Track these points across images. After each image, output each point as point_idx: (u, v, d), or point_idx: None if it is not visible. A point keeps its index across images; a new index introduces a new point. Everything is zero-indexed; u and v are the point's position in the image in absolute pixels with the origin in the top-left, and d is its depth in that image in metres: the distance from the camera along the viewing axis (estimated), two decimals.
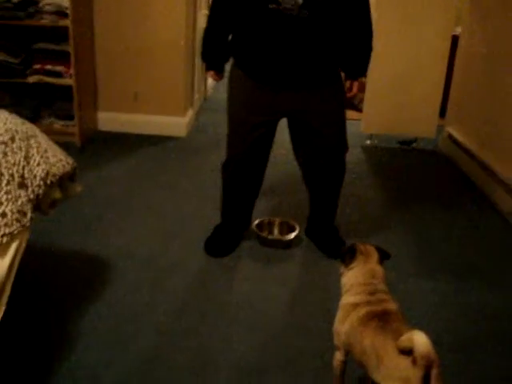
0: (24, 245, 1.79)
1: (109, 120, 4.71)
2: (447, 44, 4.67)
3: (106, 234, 3.00)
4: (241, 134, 2.74)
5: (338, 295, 2.60)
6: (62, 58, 4.24)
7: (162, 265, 2.75)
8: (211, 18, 2.69)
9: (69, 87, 4.22)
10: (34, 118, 4.43)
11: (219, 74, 2.82)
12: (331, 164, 2.82)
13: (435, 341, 2.11)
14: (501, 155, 3.80)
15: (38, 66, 4.31)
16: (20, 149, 1.90)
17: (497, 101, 3.97)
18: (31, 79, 4.32)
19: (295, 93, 2.61)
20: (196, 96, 5.27)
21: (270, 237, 3.05)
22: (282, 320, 2.43)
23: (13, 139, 1.90)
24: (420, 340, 1.49)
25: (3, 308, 1.71)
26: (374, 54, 2.74)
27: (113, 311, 2.36)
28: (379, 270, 1.94)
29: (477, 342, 2.35)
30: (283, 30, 2.46)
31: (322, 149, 2.76)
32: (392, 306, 1.82)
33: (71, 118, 4.36)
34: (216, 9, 2.65)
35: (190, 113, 4.96)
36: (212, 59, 2.78)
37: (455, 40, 4.88)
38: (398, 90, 4.74)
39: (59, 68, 4.26)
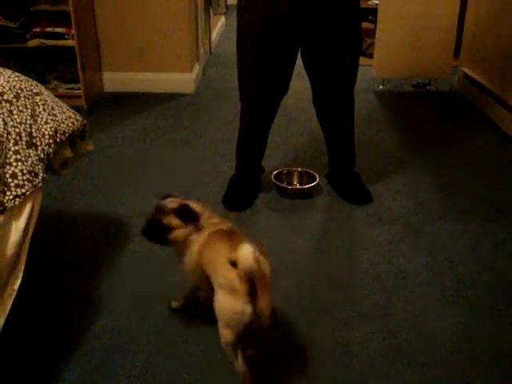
0: (38, 206, 1.71)
1: (114, 80, 4.58)
2: None
3: (121, 194, 2.92)
4: (257, 54, 2.54)
5: (363, 242, 2.56)
6: (62, 18, 4.09)
7: None
8: None
9: (71, 49, 4.08)
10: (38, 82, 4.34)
11: None
12: (341, 94, 2.72)
13: (472, 281, 2.05)
14: None
15: (37, 29, 4.17)
16: (26, 107, 1.81)
17: (510, 37, 3.80)
18: (32, 43, 4.19)
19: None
20: (201, 50, 5.12)
21: (289, 187, 2.95)
22: (309, 272, 2.35)
23: (17, 97, 1.80)
24: (243, 254, 1.51)
25: (22, 271, 1.64)
26: None
27: (133, 270, 2.30)
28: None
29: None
30: None
31: (334, 75, 2.62)
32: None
33: (76, 80, 4.23)
34: None
35: (197, 68, 4.82)
36: None
37: None
38: (409, 31, 4.56)
39: (60, 29, 4.12)
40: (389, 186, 3.04)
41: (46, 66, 4.43)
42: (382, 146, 3.60)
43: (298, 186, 2.98)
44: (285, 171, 3.02)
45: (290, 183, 3.00)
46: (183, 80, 4.56)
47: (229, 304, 1.57)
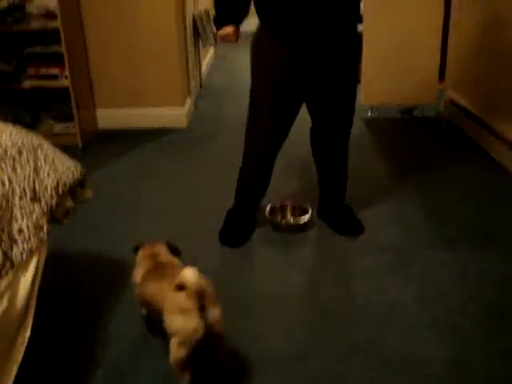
0: (43, 258, 1.79)
1: (108, 117, 4.69)
2: (440, 6, 4.61)
3: (120, 234, 3.00)
4: (268, 104, 2.72)
5: (355, 273, 2.65)
6: (56, 60, 4.20)
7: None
8: None
9: (65, 89, 4.19)
10: (33, 122, 4.44)
11: (237, 31, 2.59)
12: (339, 133, 2.84)
13: (461, 310, 2.14)
14: (505, 115, 3.78)
15: (32, 71, 4.29)
16: (28, 161, 1.90)
17: (495, 60, 3.93)
18: (27, 84, 4.30)
19: (322, 55, 2.56)
20: (192, 84, 5.24)
21: (283, 222, 3.05)
22: (303, 304, 2.43)
23: (20, 152, 1.89)
24: (189, 274, 1.72)
25: (31, 321, 1.71)
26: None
27: (136, 310, 2.37)
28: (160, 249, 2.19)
29: (502, 310, 2.35)
30: None
31: (333, 116, 2.76)
32: (166, 258, 2.14)
33: (71, 119, 4.33)
34: None
35: (189, 102, 4.93)
36: (231, 10, 2.59)
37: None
38: (394, 58, 4.69)
39: (54, 70, 4.23)
40: (378, 215, 3.14)
41: (40, 106, 4.54)
42: (371, 174, 3.70)
43: (292, 221, 3.07)
44: (278, 205, 3.11)
45: (284, 217, 3.09)
46: (175, 115, 4.67)
47: (183, 323, 1.74)
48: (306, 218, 2.99)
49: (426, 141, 4.40)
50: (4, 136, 1.92)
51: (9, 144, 1.89)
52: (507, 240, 2.86)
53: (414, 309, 2.35)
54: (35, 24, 4.14)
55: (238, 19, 2.60)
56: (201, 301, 1.71)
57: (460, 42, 4.65)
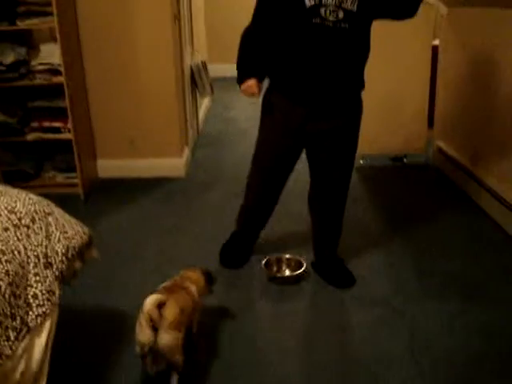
0: (55, 320, 1.92)
1: (108, 167, 4.83)
2: (428, 58, 4.82)
3: (122, 286, 3.12)
4: (269, 154, 3.01)
5: (348, 325, 2.77)
6: (59, 113, 4.36)
7: None
8: (254, 25, 2.84)
9: (68, 140, 4.34)
10: (36, 173, 4.58)
11: (259, 85, 2.85)
12: (335, 190, 3.03)
13: (448, 359, 2.28)
14: (489, 165, 3.95)
15: (35, 124, 4.43)
16: (41, 229, 2.03)
17: (481, 111, 4.12)
18: (30, 137, 4.44)
19: (325, 115, 2.81)
20: (190, 133, 5.40)
21: (278, 274, 3.18)
22: (301, 357, 2.55)
23: (33, 220, 2.03)
24: (146, 301, 2.14)
25: (45, 381, 1.83)
26: None
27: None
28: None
29: (488, 360, 2.47)
30: (324, 43, 2.65)
31: (334, 172, 2.97)
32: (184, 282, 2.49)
33: (72, 169, 4.47)
34: (259, 15, 2.82)
35: (187, 151, 5.09)
36: (253, 65, 2.87)
37: (435, 50, 5.04)
38: (384, 109, 4.88)
39: (57, 124, 4.38)
40: (370, 267, 3.28)
41: (43, 157, 4.68)
42: (363, 224, 3.85)
43: (287, 273, 3.20)
44: (274, 258, 3.25)
45: (279, 270, 3.23)
46: (174, 165, 4.82)
47: (136, 333, 2.18)
48: (300, 270, 3.12)
49: (416, 189, 4.57)
50: (18, 204, 2.06)
51: (23, 212, 2.03)
52: (492, 290, 3.00)
53: (404, 361, 2.48)
54: (39, 79, 4.31)
55: (259, 74, 2.87)
56: (152, 323, 2.12)
57: (447, 93, 4.85)
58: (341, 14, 2.59)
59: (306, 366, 2.48)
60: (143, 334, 2.15)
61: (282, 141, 2.93)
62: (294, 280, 3.12)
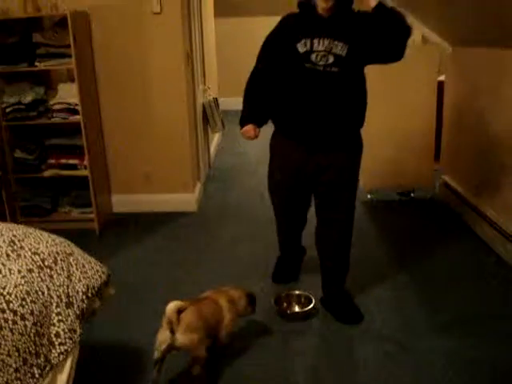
0: (76, 358, 2.02)
1: (122, 202, 4.98)
2: (433, 94, 4.95)
3: (136, 321, 3.22)
4: (280, 196, 3.32)
5: (356, 361, 2.85)
6: (75, 151, 4.53)
7: None
8: (256, 70, 3.11)
9: (83, 176, 4.49)
10: (52, 208, 4.73)
11: (256, 130, 3.10)
12: (340, 225, 3.17)
13: None
14: (491, 199, 4.06)
15: (52, 161, 4.60)
16: (62, 269, 2.15)
17: (484, 145, 4.23)
18: (47, 173, 4.60)
19: (324, 151, 3.00)
20: (202, 167, 5.54)
21: (288, 310, 3.28)
22: None
23: (55, 261, 2.15)
24: (168, 305, 2.51)
25: None
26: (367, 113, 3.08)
27: None
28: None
29: None
30: (315, 86, 2.87)
31: (337, 209, 3.12)
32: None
33: (88, 205, 4.61)
34: (261, 61, 3.09)
35: (199, 186, 5.22)
36: (253, 112, 3.14)
37: (441, 85, 5.18)
38: (392, 143, 4.99)
39: (73, 161, 4.54)
40: (377, 302, 3.37)
41: (59, 192, 4.83)
42: (370, 259, 3.94)
43: (297, 309, 3.29)
44: (284, 294, 3.34)
45: (289, 306, 3.32)
46: (187, 200, 4.96)
47: (158, 333, 2.52)
48: (310, 306, 3.21)
49: (422, 223, 4.66)
50: (41, 245, 2.18)
51: (45, 253, 2.15)
52: (499, 326, 3.08)
53: None
54: (57, 118, 4.47)
55: (258, 122, 3.13)
56: (171, 325, 2.47)
57: (452, 128, 4.97)
58: (331, 59, 2.80)
59: None
60: (162, 334, 2.51)
61: (287, 179, 3.16)
62: (304, 316, 3.21)
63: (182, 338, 2.50)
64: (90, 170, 4.45)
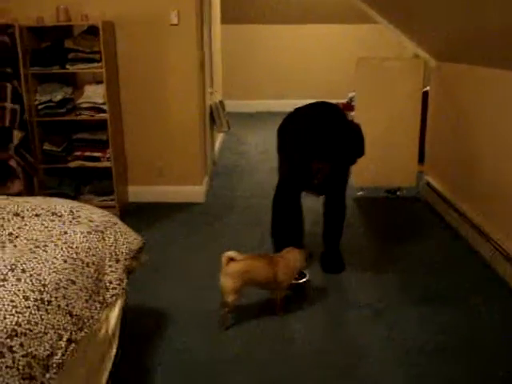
0: (123, 301, 2.60)
1: (138, 192, 5.55)
2: (419, 100, 5.54)
3: (157, 292, 3.79)
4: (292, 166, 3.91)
5: (341, 322, 3.43)
6: (98, 144, 5.11)
7: (206, 311, 3.55)
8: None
9: (104, 168, 5.08)
10: (75, 195, 5.27)
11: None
12: (340, 196, 4.04)
13: (421, 349, 2.95)
14: (468, 197, 4.65)
15: (78, 153, 5.17)
16: (111, 234, 2.72)
17: (466, 150, 4.80)
18: (73, 164, 5.17)
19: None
20: (209, 164, 6.12)
21: None
22: (302, 344, 3.22)
23: (106, 228, 2.72)
24: (227, 252, 3.29)
25: (117, 343, 2.51)
26: (358, 119, 3.67)
27: (173, 347, 3.16)
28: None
29: (448, 349, 3.15)
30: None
31: (338, 184, 4.00)
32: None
33: (107, 193, 5.20)
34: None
35: (206, 180, 5.81)
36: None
37: (427, 95, 5.77)
38: (381, 147, 5.53)
39: (97, 154, 5.12)
40: (360, 280, 3.96)
41: (81, 181, 5.40)
42: (357, 245, 4.54)
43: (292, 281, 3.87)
44: None
45: None
46: (195, 191, 5.54)
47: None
48: (304, 279, 3.79)
49: (405, 217, 5.26)
50: (94, 215, 2.76)
51: (98, 221, 2.73)
52: (460, 298, 3.69)
53: (382, 348, 3.15)
54: (84, 115, 5.04)
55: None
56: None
57: (435, 135, 5.57)
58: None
59: (305, 349, 3.15)
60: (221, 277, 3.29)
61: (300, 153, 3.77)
62: (298, 288, 3.79)
63: (222, 279, 3.22)
64: (113, 162, 5.02)
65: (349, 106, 7.57)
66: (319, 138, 3.60)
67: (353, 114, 6.11)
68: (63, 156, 5.19)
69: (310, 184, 3.79)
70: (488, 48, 3.98)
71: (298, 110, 3.97)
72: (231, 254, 3.26)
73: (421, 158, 5.83)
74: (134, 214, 5.25)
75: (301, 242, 4.02)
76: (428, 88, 5.89)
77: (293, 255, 3.52)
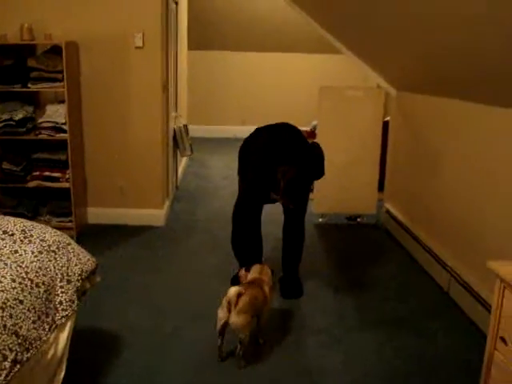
0: (73, 322, 2.55)
1: (97, 214, 5.48)
2: (379, 131, 5.62)
3: (111, 313, 3.73)
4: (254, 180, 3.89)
5: (299, 347, 3.42)
6: (58, 165, 5.04)
7: (162, 334, 3.50)
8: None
9: (63, 188, 5.00)
10: (33, 216, 5.18)
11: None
12: (299, 219, 4.06)
13: (378, 376, 2.95)
14: (423, 224, 4.71)
15: (37, 173, 5.09)
16: (63, 254, 2.68)
17: (423, 179, 4.88)
18: (31, 184, 5.09)
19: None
20: (170, 187, 6.10)
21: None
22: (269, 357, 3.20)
23: (58, 248, 2.68)
24: (229, 290, 3.11)
25: (65, 365, 2.45)
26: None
27: (130, 371, 3.10)
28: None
29: (406, 374, 3.16)
30: None
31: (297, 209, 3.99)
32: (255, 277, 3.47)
33: (66, 215, 5.12)
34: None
35: (167, 203, 5.77)
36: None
37: (387, 125, 5.85)
38: (342, 174, 5.61)
39: (56, 174, 5.05)
40: (319, 303, 3.97)
41: (39, 202, 5.31)
42: (317, 270, 4.55)
43: None
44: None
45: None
46: (156, 215, 5.50)
47: (218, 311, 3.14)
48: None
49: (365, 244, 5.30)
50: (47, 235, 2.72)
51: (50, 240, 2.68)
52: (415, 324, 3.72)
53: (340, 372, 3.15)
54: (44, 135, 4.98)
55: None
56: (230, 306, 3.07)
57: (395, 163, 5.65)
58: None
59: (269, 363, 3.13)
60: (221, 312, 3.12)
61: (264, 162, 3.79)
62: None
63: (235, 318, 3.07)
64: (72, 183, 4.97)
65: (312, 134, 7.62)
66: (282, 144, 3.73)
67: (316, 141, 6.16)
68: (22, 176, 5.11)
69: (275, 191, 3.77)
70: (443, 79, 4.07)
71: (258, 128, 4.08)
72: (238, 289, 3.13)
73: (381, 186, 5.91)
74: (92, 236, 5.19)
75: (261, 256, 4.07)
76: (389, 118, 5.98)
77: (266, 272, 3.55)
